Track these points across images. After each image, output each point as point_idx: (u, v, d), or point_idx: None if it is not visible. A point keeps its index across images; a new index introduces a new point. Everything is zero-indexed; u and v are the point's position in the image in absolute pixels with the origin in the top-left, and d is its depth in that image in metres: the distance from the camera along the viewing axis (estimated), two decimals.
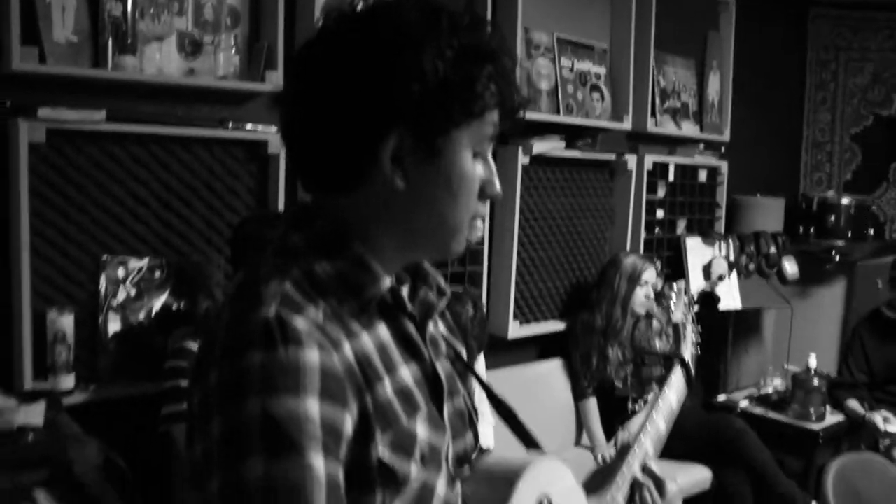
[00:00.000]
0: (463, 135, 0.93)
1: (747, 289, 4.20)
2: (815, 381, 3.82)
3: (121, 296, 2.40)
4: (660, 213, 4.07)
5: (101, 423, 2.24)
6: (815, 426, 3.77)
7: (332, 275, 0.89)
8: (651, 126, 3.87)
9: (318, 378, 0.80)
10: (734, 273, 4.17)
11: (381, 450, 0.86)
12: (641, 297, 3.42)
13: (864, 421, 3.70)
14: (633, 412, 3.42)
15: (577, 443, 3.56)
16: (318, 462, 0.77)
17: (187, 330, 2.34)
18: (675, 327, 1.50)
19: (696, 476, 3.37)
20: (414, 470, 0.89)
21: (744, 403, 4.07)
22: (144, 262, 2.43)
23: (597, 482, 1.24)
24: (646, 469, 1.27)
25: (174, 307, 2.50)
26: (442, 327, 1.11)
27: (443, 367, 1.01)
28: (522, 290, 3.50)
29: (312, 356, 0.80)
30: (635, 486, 1.25)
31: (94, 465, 1.95)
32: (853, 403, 3.86)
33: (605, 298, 3.47)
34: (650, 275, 3.47)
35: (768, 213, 4.52)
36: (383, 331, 0.93)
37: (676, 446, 3.34)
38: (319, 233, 0.92)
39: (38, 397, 2.15)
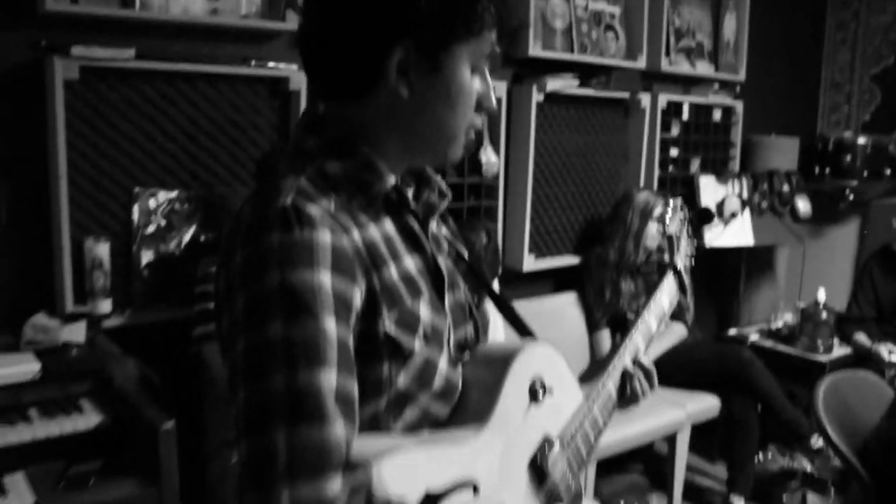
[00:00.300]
0: (463, 50, 1.03)
1: (760, 226, 4.27)
2: (824, 315, 3.91)
3: (152, 226, 2.54)
4: (674, 152, 4.13)
5: (137, 344, 2.39)
6: (823, 358, 3.88)
7: (342, 173, 1.01)
8: (665, 65, 3.92)
9: (330, 255, 0.92)
10: (747, 211, 4.24)
11: (388, 325, 0.98)
12: (653, 232, 3.51)
13: (871, 353, 3.80)
14: None
15: None
16: (330, 325, 0.89)
17: (215, 258, 2.47)
18: (670, 239, 1.60)
19: (705, 404, 3.49)
20: (417, 345, 1.01)
21: (754, 337, 4.18)
22: (174, 195, 2.56)
23: (590, 374, 1.36)
24: (636, 362, 1.39)
25: (202, 238, 2.64)
26: (445, 230, 1.22)
27: (444, 262, 1.13)
28: (537, 225, 3.61)
29: (325, 236, 0.92)
30: (626, 376, 1.37)
31: (132, 379, 2.11)
32: (861, 337, 3.95)
33: (618, 233, 3.57)
34: (662, 210, 3.55)
35: (783, 153, 4.56)
36: (389, 225, 1.04)
37: (687, 376, 3.52)
38: (331, 137, 1.04)
39: (79, 319, 2.31)
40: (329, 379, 0.87)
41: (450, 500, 0.98)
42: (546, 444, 1.16)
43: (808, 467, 3.72)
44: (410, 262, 1.06)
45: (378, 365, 0.98)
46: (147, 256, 2.55)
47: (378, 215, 1.03)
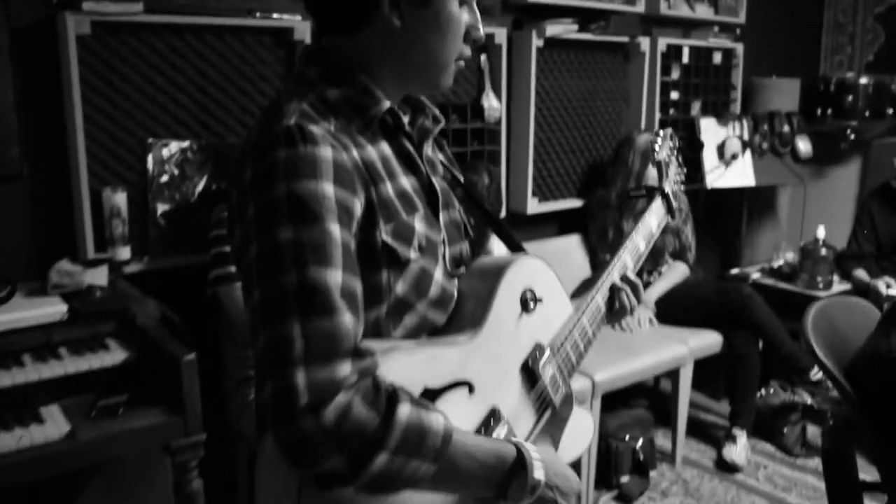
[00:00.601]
0: None
1: (761, 167, 4.33)
2: (823, 251, 3.99)
3: (166, 176, 2.64)
4: (674, 95, 4.19)
5: (156, 288, 2.50)
6: (822, 294, 3.96)
7: (341, 99, 1.10)
8: (664, 9, 3.96)
9: (332, 168, 1.01)
10: (748, 152, 4.30)
11: (385, 235, 1.08)
12: (654, 173, 3.58)
13: (870, 288, 3.88)
14: (648, 283, 3.64)
15: None
16: (334, 229, 0.99)
17: (227, 205, 2.57)
18: (659, 165, 1.69)
19: (707, 340, 3.58)
20: (413, 255, 1.11)
21: (755, 276, 4.27)
22: (185, 144, 2.66)
23: (580, 290, 1.46)
24: (624, 278, 1.48)
25: (214, 186, 2.74)
26: (442, 156, 1.32)
27: (438, 183, 1.23)
28: (540, 169, 3.69)
29: (327, 152, 1.02)
30: (614, 290, 1.47)
31: (154, 318, 2.23)
32: (860, 272, 4.03)
33: (620, 175, 3.65)
34: None
35: (784, 95, 4.60)
36: (385, 147, 1.14)
37: (690, 313, 3.61)
38: (330, 66, 1.13)
39: (100, 265, 2.42)
40: (335, 276, 0.97)
41: (446, 397, 1.09)
42: (537, 349, 1.26)
43: (808, 400, 3.82)
44: (406, 181, 1.15)
45: (377, 272, 1.08)
46: (162, 205, 2.65)
47: (375, 138, 1.13)
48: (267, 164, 1.00)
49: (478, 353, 1.16)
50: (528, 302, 1.25)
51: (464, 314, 1.20)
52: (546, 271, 1.31)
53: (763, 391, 3.84)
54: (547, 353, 1.27)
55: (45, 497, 2.38)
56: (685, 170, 1.77)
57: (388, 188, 1.10)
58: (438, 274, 1.17)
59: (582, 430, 1.37)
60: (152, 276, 2.63)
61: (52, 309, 2.14)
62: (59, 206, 2.49)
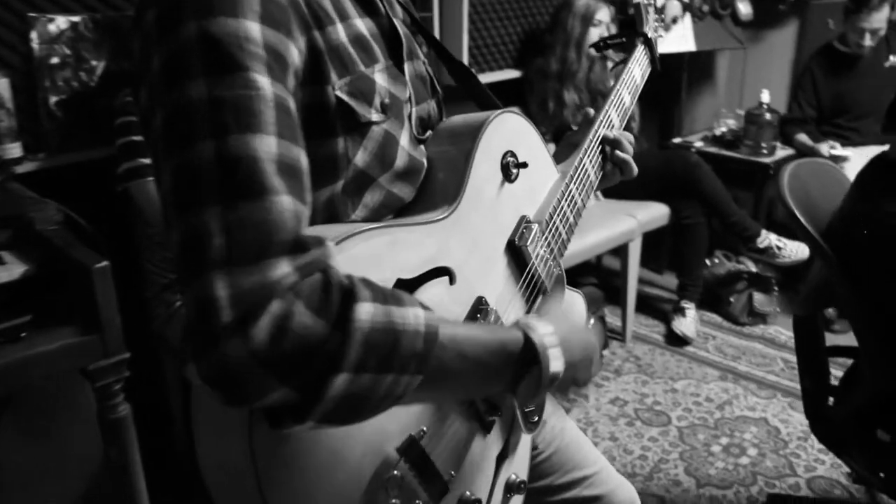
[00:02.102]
0: None
1: (701, 31, 4.14)
2: (768, 116, 3.87)
3: (56, 58, 2.28)
4: None
5: (57, 190, 2.20)
6: (767, 160, 3.88)
7: None
8: None
9: (258, 1, 0.76)
10: (688, 15, 4.10)
11: (339, 91, 0.84)
12: (595, 38, 3.35)
13: (813, 152, 3.80)
14: None
15: None
16: (262, 80, 0.74)
17: (132, 89, 2.25)
18: (638, 6, 1.44)
19: (655, 213, 3.47)
20: (376, 116, 0.88)
21: (698, 144, 4.14)
22: (77, 19, 2.30)
23: (563, 153, 1.25)
24: (614, 137, 1.27)
25: (116, 68, 2.40)
26: None
27: (401, 27, 0.98)
28: (475, 38, 3.41)
29: None
30: (605, 149, 1.25)
31: (56, 222, 1.93)
32: (802, 137, 3.95)
33: (559, 41, 3.40)
34: (604, 14, 3.38)
35: None
36: None
37: (636, 185, 3.44)
38: None
39: None
40: (266, 145, 0.72)
41: (422, 290, 0.87)
42: (523, 225, 1.05)
43: (753, 268, 3.78)
44: (361, 24, 0.90)
45: (331, 140, 0.85)
46: (56, 93, 2.31)
47: None
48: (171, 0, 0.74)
49: (456, 234, 0.94)
50: (509, 168, 1.04)
51: (435, 187, 0.98)
52: (529, 130, 1.09)
53: (707, 262, 3.78)
54: (535, 228, 1.06)
55: None
56: (664, 16, 1.54)
57: (339, 31, 0.85)
58: (405, 139, 0.93)
59: (576, 315, 1.18)
60: (51, 176, 2.31)
61: None
62: None
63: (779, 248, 3.50)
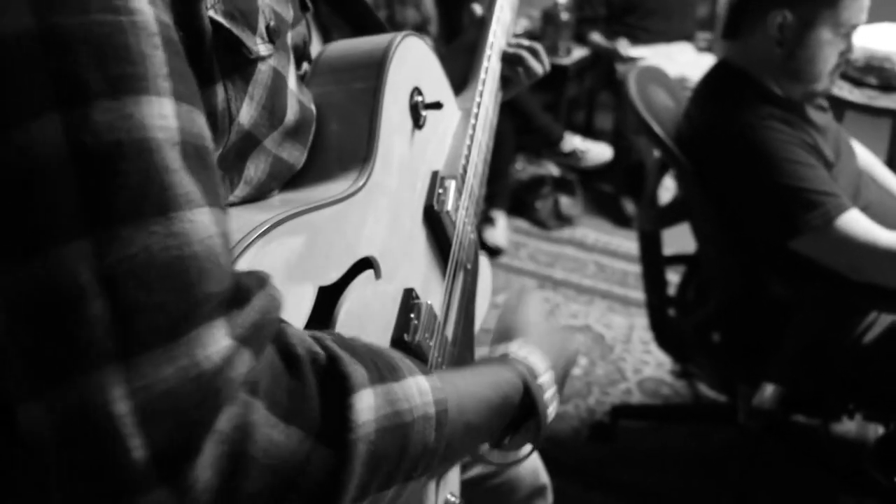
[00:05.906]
0: None
1: None
2: (565, 16, 3.79)
3: None
4: None
5: None
6: (565, 61, 3.81)
7: None
8: None
9: None
10: None
11: (212, 11, 0.54)
12: None
13: (609, 51, 3.79)
14: None
15: None
16: (139, 4, 0.44)
17: None
18: None
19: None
20: (262, 48, 0.60)
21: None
22: None
23: (457, 59, 1.01)
24: (506, 55, 1.06)
25: None
26: None
27: None
28: None
29: None
30: (508, 64, 1.04)
31: None
32: (595, 36, 3.92)
33: None
34: None
35: None
36: None
37: None
38: None
39: None
40: (161, 117, 0.42)
41: (349, 295, 0.62)
42: (439, 184, 0.82)
43: (555, 172, 3.76)
44: None
45: (208, 89, 0.56)
46: None
47: None
48: None
49: (372, 207, 0.69)
50: (418, 110, 0.79)
51: (330, 143, 0.71)
52: (431, 57, 0.84)
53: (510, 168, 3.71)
54: (451, 186, 0.82)
55: None
56: None
57: None
58: (292, 80, 0.66)
59: (485, 279, 0.97)
60: None
61: None
62: None
63: (582, 151, 3.48)
